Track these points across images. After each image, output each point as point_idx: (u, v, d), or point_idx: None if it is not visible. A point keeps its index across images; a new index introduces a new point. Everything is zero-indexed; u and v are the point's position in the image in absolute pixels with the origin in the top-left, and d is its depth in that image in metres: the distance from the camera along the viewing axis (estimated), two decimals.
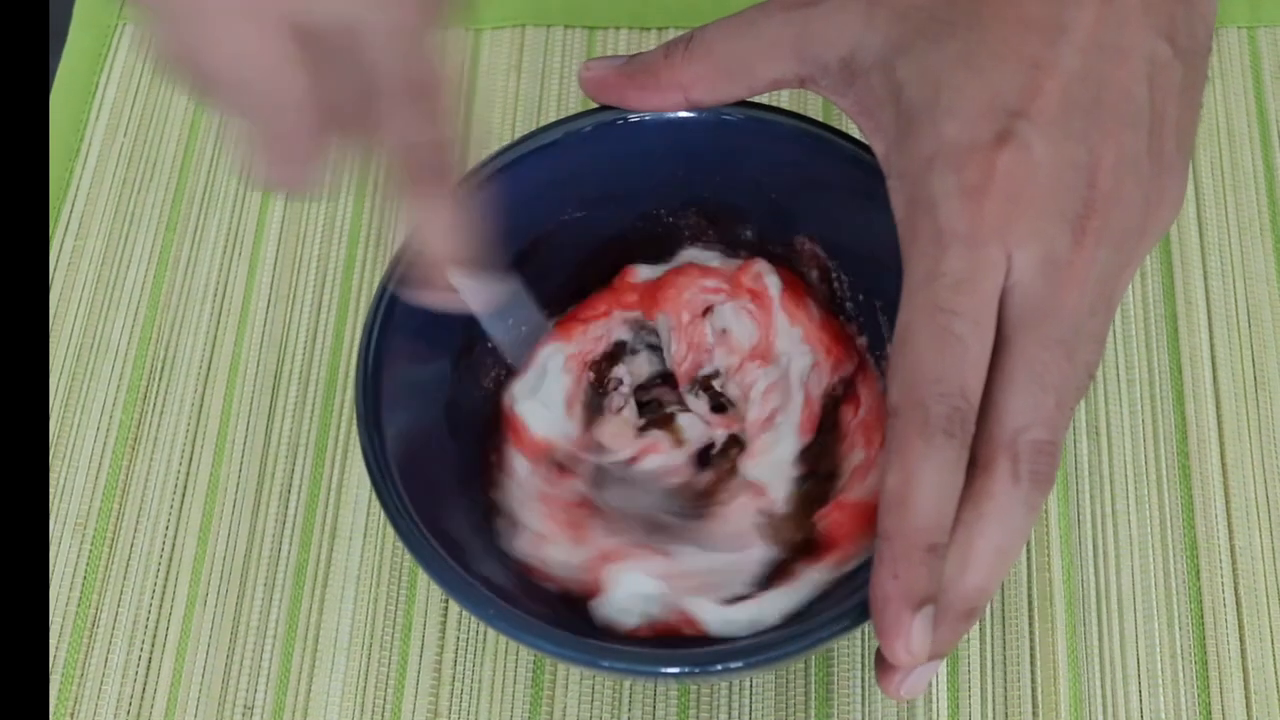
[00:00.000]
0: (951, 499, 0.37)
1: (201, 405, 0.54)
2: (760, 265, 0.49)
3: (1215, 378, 0.53)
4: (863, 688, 0.48)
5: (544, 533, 0.46)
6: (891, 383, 0.38)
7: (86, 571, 0.51)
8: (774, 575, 0.44)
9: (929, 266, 0.38)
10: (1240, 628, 0.49)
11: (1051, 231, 0.38)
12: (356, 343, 0.44)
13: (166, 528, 0.52)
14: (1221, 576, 0.49)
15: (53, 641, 0.50)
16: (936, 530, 0.37)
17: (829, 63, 0.42)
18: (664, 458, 0.48)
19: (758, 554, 0.45)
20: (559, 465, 0.47)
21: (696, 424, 0.49)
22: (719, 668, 0.40)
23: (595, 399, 0.49)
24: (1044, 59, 0.38)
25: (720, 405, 0.49)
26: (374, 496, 0.43)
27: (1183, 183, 0.40)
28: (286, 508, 0.52)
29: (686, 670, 0.40)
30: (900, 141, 0.40)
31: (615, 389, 0.49)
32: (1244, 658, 0.48)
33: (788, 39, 0.43)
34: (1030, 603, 0.49)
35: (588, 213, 0.49)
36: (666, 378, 0.50)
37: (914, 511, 0.37)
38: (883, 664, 0.38)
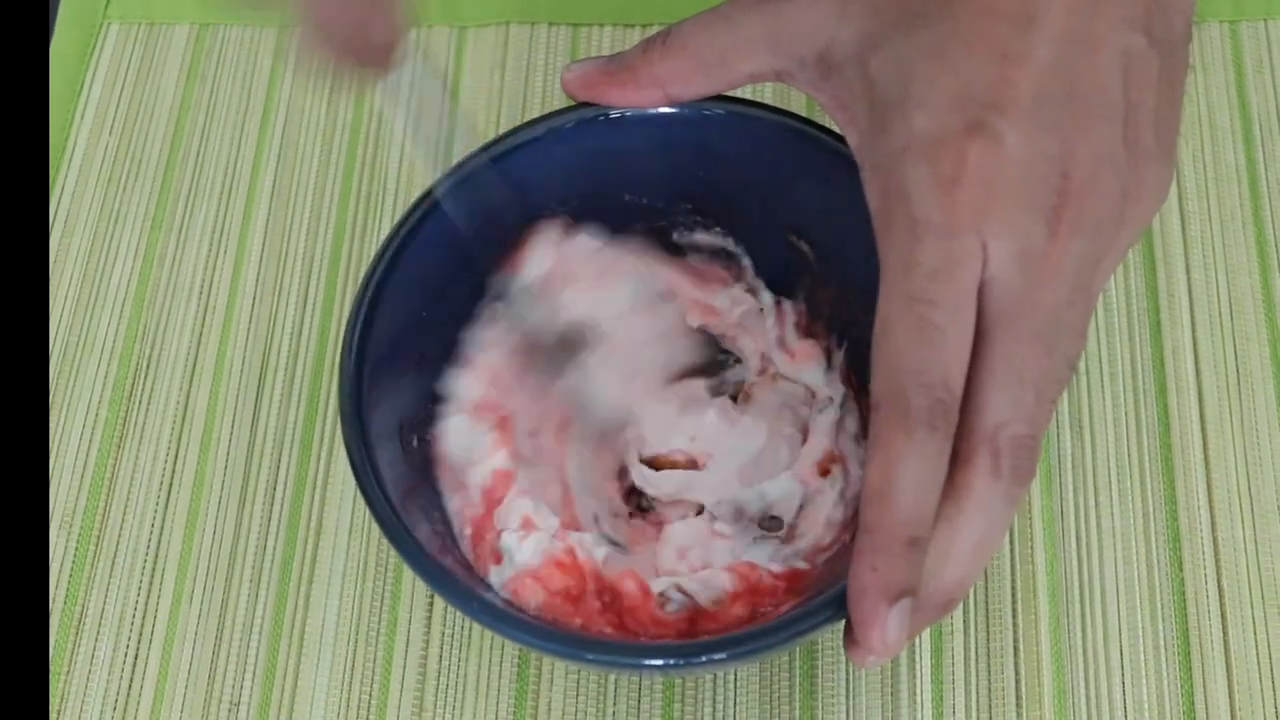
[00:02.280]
0: (933, 492, 0.38)
1: (187, 402, 0.54)
2: None
3: (1198, 370, 0.53)
4: (847, 680, 0.48)
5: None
6: (873, 375, 0.38)
7: (73, 568, 0.51)
8: None
9: (905, 257, 0.38)
10: (1223, 619, 0.49)
11: (1025, 223, 0.38)
12: (341, 339, 0.44)
13: (152, 524, 0.52)
14: (1204, 568, 0.50)
15: None
16: (917, 524, 0.37)
17: (805, 57, 0.42)
18: None
19: None
20: None
21: None
22: (703, 659, 0.40)
23: None
24: (1015, 50, 0.38)
25: None
26: (359, 493, 0.43)
27: (1165, 173, 0.40)
28: (272, 504, 0.52)
29: (670, 662, 0.40)
30: (873, 134, 0.40)
31: None
32: (1227, 649, 0.48)
33: (763, 34, 0.43)
34: (1014, 595, 0.49)
35: (571, 208, 0.49)
36: None
37: (895, 505, 0.37)
38: (852, 637, 0.38)
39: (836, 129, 0.44)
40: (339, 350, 0.44)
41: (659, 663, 0.40)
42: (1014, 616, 0.49)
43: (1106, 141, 0.38)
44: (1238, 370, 0.53)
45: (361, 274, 0.47)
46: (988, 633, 0.49)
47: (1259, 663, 0.48)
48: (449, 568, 0.42)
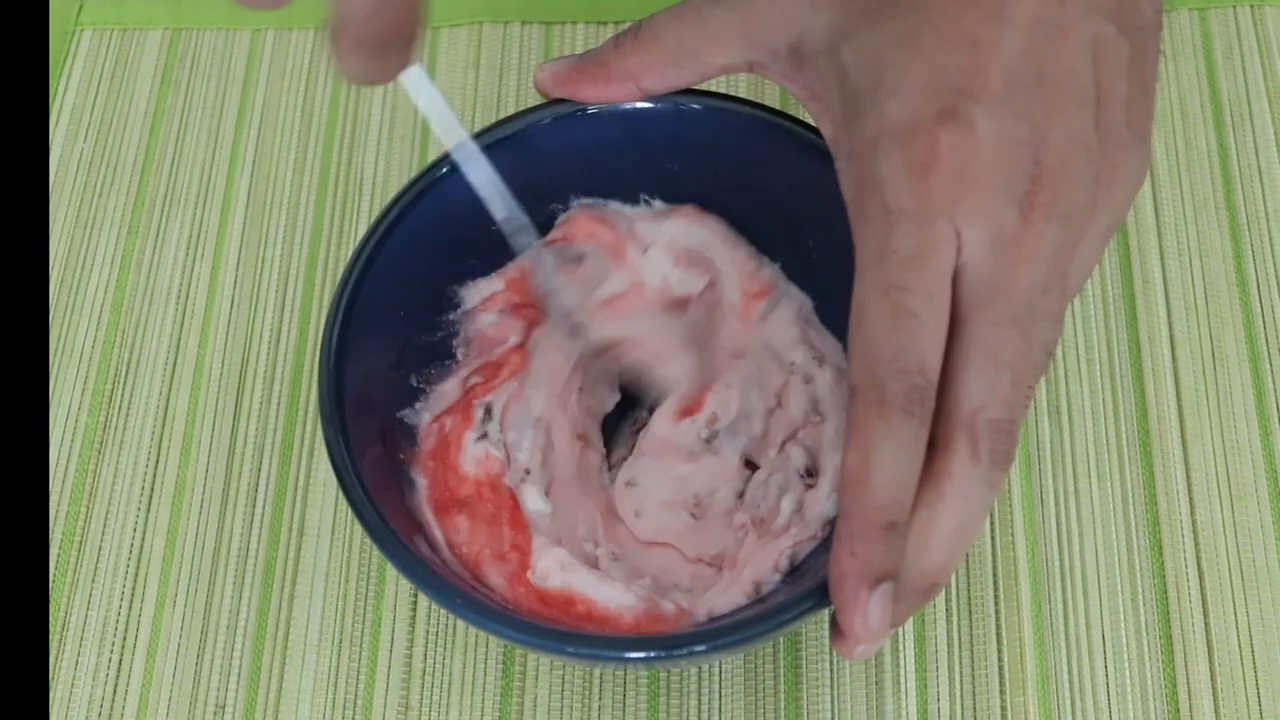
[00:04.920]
0: (910, 477, 0.38)
1: (167, 407, 0.54)
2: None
3: (1174, 355, 0.53)
4: (831, 670, 0.48)
5: None
6: (850, 362, 0.39)
7: (55, 574, 0.51)
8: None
9: (879, 245, 0.38)
10: (1203, 601, 0.49)
11: (999, 208, 0.38)
12: (320, 340, 0.44)
13: (134, 530, 0.52)
14: (1184, 551, 0.50)
15: None
16: (895, 508, 0.37)
17: (777, 48, 0.42)
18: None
19: None
20: None
21: None
22: (684, 651, 0.40)
23: None
24: (985, 37, 0.39)
25: None
26: (340, 494, 0.43)
27: (1139, 157, 0.40)
28: (254, 507, 0.52)
29: (652, 655, 0.40)
30: (847, 123, 0.40)
31: None
32: (1208, 630, 0.49)
33: (735, 25, 0.43)
34: (995, 581, 0.50)
35: (552, 205, 0.49)
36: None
37: (872, 490, 0.37)
38: (837, 628, 0.38)
39: (811, 120, 0.44)
40: (318, 351, 0.44)
41: (640, 655, 0.40)
42: (996, 603, 0.49)
43: (1077, 127, 0.39)
44: (1213, 355, 0.53)
45: (339, 275, 0.47)
46: (970, 620, 0.49)
47: (1239, 644, 0.48)
48: (432, 565, 0.42)
